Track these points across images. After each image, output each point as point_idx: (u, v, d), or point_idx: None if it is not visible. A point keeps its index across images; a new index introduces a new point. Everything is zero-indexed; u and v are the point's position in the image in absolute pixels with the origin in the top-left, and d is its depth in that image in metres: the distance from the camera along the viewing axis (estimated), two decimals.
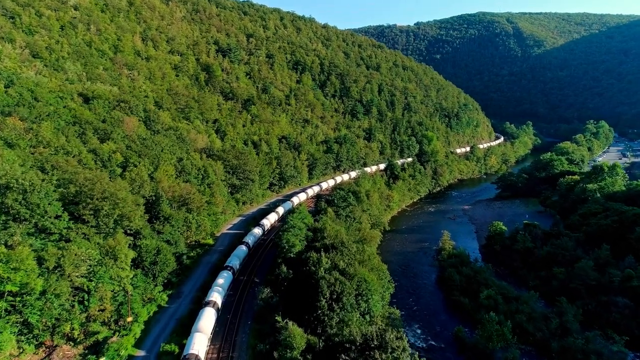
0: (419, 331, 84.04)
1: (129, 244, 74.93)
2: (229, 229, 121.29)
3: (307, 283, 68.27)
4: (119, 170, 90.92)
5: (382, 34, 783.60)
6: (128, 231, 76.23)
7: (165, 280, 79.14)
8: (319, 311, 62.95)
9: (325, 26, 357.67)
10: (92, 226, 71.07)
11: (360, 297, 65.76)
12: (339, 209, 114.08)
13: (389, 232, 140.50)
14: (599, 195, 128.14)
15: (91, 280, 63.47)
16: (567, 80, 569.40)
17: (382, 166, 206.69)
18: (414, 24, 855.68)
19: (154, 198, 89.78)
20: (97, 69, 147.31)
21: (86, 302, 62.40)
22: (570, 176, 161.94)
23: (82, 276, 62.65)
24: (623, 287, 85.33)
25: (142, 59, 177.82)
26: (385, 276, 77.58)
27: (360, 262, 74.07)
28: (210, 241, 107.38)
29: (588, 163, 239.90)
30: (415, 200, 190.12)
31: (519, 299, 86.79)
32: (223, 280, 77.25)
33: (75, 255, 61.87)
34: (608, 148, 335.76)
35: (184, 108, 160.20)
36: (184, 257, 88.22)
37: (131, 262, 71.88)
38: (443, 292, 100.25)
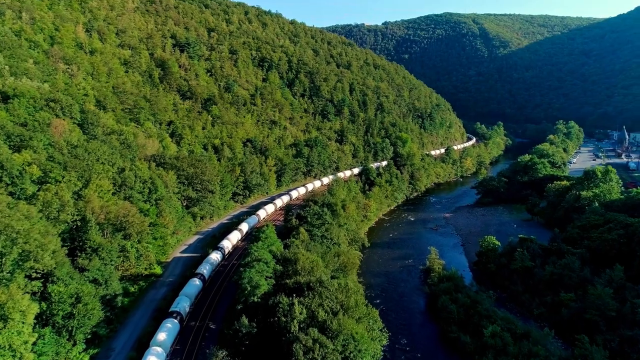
0: None
1: (36, 292, 55.82)
2: (182, 252, 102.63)
3: (276, 342, 51.39)
4: (32, 189, 70.80)
5: (350, 33, 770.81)
6: (34, 275, 56.87)
7: (89, 335, 60.14)
8: None
9: (292, 22, 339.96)
10: None
11: None
12: (313, 227, 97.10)
13: (368, 248, 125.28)
14: (597, 204, 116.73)
15: None
16: (533, 80, 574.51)
17: (356, 171, 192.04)
18: (382, 24, 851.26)
19: (78, 223, 70.47)
20: (26, 62, 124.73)
21: None
22: (558, 181, 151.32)
23: None
24: None
25: (84, 53, 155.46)
26: (377, 324, 61.49)
27: (344, 308, 57.65)
28: (158, 270, 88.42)
29: (567, 165, 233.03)
30: (392, 208, 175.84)
31: (529, 336, 72.80)
32: (166, 334, 58.96)
33: None
34: (579, 149, 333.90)
35: (132, 108, 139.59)
36: (119, 298, 69.26)
37: (36, 318, 52.86)
38: (437, 324, 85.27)
